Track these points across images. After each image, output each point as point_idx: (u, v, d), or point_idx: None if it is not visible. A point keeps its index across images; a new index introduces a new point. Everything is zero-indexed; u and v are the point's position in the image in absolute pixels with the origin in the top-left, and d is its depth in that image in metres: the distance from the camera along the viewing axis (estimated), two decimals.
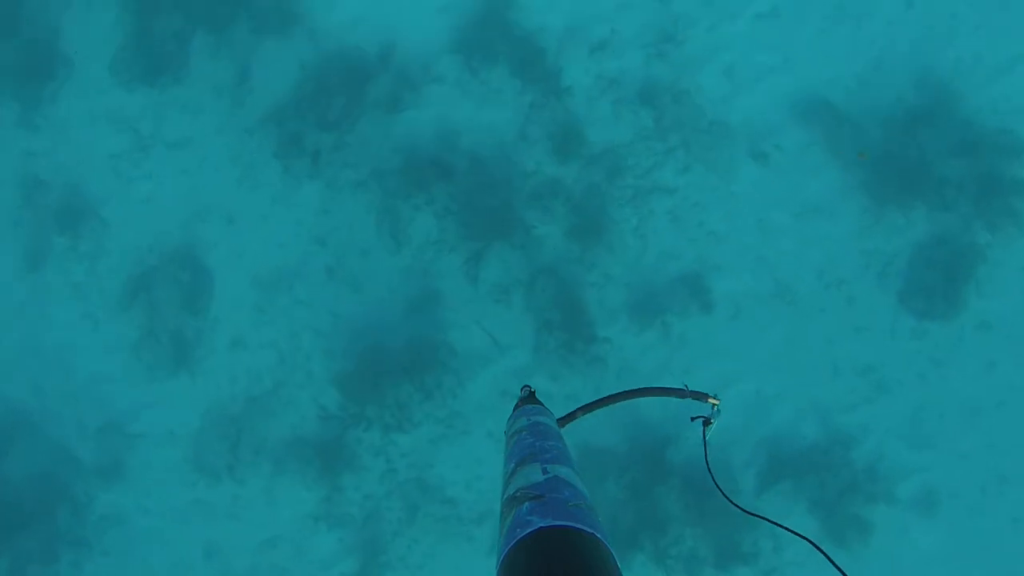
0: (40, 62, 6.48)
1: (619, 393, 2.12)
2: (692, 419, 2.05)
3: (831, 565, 1.40)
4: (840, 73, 6.68)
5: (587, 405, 2.09)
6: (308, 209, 6.42)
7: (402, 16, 6.47)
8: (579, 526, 1.09)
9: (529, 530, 1.09)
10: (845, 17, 6.68)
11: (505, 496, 1.30)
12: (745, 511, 1.91)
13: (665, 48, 6.56)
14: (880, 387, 6.87)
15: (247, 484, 6.21)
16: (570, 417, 2.15)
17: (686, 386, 2.06)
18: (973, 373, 7.13)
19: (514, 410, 1.93)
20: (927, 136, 6.89)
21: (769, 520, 1.83)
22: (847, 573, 1.53)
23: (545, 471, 1.32)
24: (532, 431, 1.63)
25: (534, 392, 2.20)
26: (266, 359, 6.31)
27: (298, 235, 6.40)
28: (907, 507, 7.02)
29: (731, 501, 1.86)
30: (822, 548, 1.65)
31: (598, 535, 1.09)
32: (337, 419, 6.26)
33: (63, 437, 6.30)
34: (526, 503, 1.20)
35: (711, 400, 2.03)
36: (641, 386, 2.09)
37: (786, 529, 1.79)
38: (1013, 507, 6.96)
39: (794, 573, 6.68)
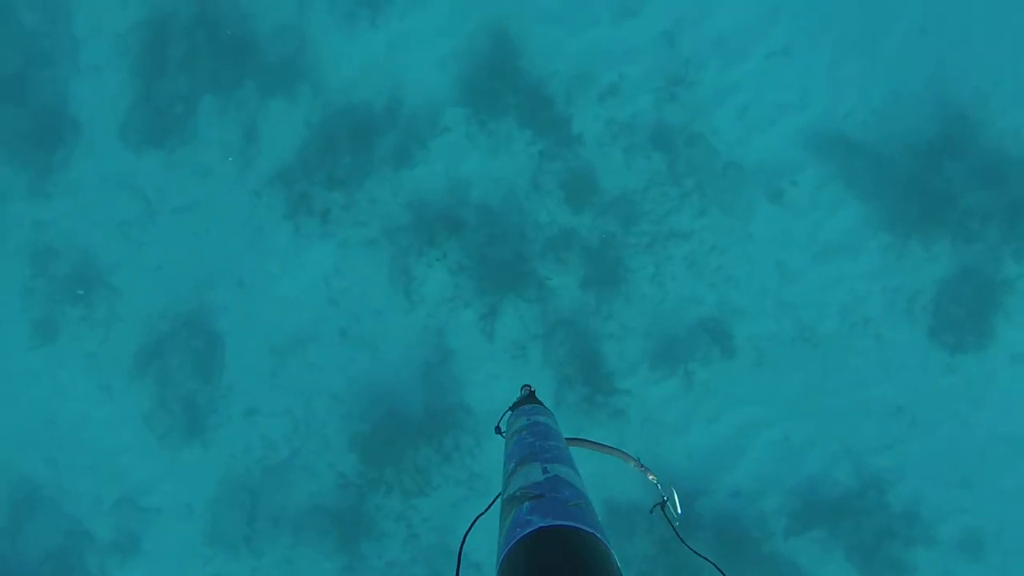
0: (50, 129, 6.45)
1: (598, 444, 1.99)
2: (651, 511, 1.93)
3: None
4: (856, 106, 6.55)
5: (582, 441, 1.96)
6: (320, 270, 6.31)
7: (408, 70, 6.43)
8: (579, 526, 1.07)
9: (529, 530, 1.07)
10: (858, 49, 6.56)
11: (505, 495, 1.27)
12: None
13: (676, 91, 6.45)
14: (914, 426, 6.66)
15: (265, 556, 6.04)
16: (576, 442, 1.96)
17: (639, 459, 1.99)
18: (1010, 407, 6.97)
19: (514, 409, 1.85)
20: (949, 166, 6.73)
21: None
22: None
23: (545, 471, 1.29)
24: (532, 431, 1.56)
25: (534, 392, 2.05)
26: (281, 426, 6.16)
27: (310, 297, 6.28)
28: (950, 550, 6.83)
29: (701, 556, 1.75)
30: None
31: (598, 535, 1.06)
32: (355, 486, 6.10)
33: (78, 512, 6.17)
34: (526, 502, 1.18)
35: (650, 476, 1.94)
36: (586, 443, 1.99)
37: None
38: None
39: None
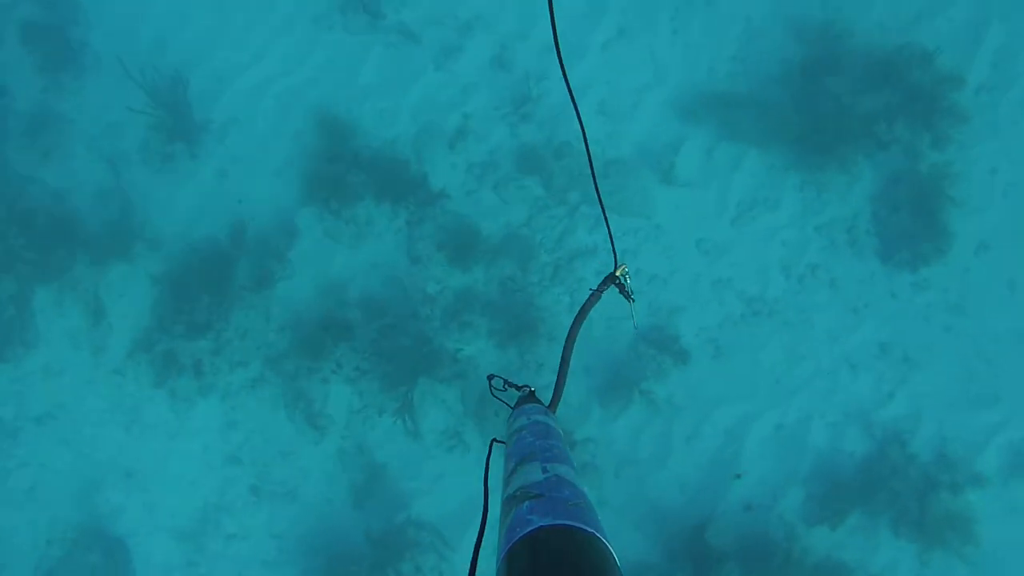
0: None
1: (565, 353, 1.96)
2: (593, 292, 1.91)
3: None
4: (713, 61, 6.24)
5: (559, 378, 1.96)
6: (210, 430, 5.57)
7: (243, 191, 6.55)
8: (579, 525, 1.08)
9: (529, 529, 1.08)
10: (692, 7, 6.06)
11: (505, 495, 1.29)
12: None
13: (526, 110, 6.00)
14: (907, 361, 6.05)
15: None
16: (555, 399, 2.00)
17: (591, 289, 1.98)
18: (997, 301, 6.46)
19: (514, 409, 1.88)
20: (832, 83, 6.32)
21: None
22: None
23: (545, 470, 1.31)
24: (532, 430, 1.62)
25: (534, 391, 2.11)
26: None
27: (208, 463, 5.52)
28: (1002, 479, 6.19)
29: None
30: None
31: (598, 534, 1.08)
32: None
33: None
34: (526, 502, 1.19)
35: (618, 273, 1.94)
36: (570, 337, 1.99)
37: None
38: None
39: None
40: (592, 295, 2.08)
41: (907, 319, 6.52)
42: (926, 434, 6.38)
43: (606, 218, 1.99)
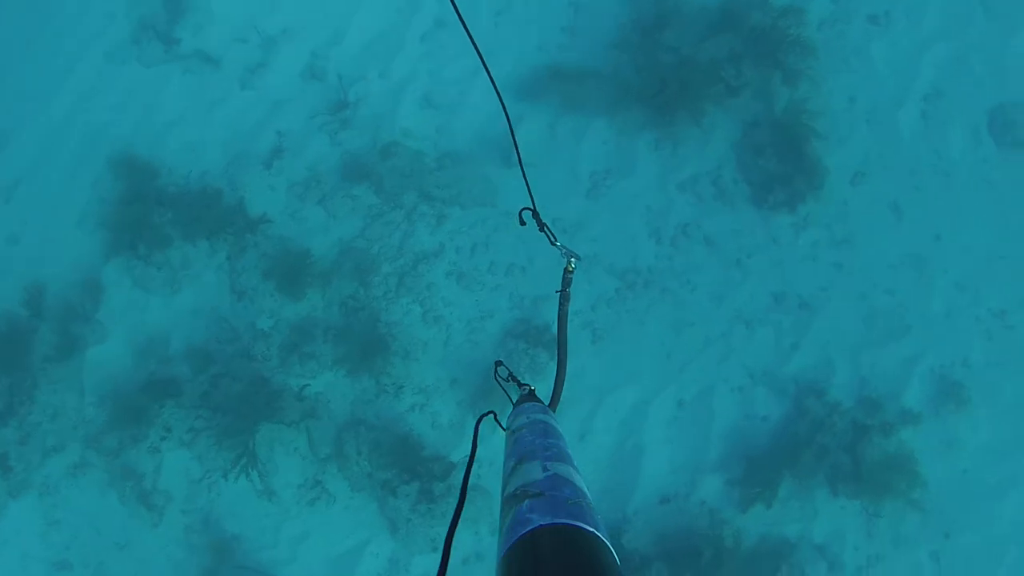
0: None
1: (560, 352, 2.05)
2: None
3: None
4: (543, 37, 6.02)
5: (558, 377, 2.04)
6: (29, 534, 4.68)
7: (39, 254, 5.87)
8: (579, 524, 1.07)
9: (529, 528, 1.07)
10: None
11: (505, 494, 1.29)
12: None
13: (345, 116, 5.47)
14: (805, 307, 5.68)
15: None
16: (555, 398, 2.05)
17: (557, 291, 2.08)
18: (884, 228, 6.13)
19: (514, 408, 1.84)
20: (668, 36, 5.82)
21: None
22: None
23: (545, 468, 1.29)
24: (532, 429, 1.57)
25: (534, 390, 2.02)
26: None
27: (33, 572, 4.52)
28: (933, 411, 5.79)
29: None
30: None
31: (598, 533, 1.08)
32: None
33: None
34: (526, 501, 1.19)
35: (570, 269, 2.09)
36: (561, 336, 2.04)
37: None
38: None
39: None
40: (563, 295, 2.16)
41: (794, 263, 6.16)
42: (842, 379, 6.01)
43: (536, 212, 2.03)
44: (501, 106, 1.81)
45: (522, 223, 2.17)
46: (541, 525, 1.07)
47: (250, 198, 6.04)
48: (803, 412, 5.99)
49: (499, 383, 2.27)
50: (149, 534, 5.35)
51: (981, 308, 6.24)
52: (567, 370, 2.07)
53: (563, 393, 2.12)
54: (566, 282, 2.17)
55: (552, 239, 2.07)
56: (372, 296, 5.88)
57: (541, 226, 2.10)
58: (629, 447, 5.76)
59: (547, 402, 2.06)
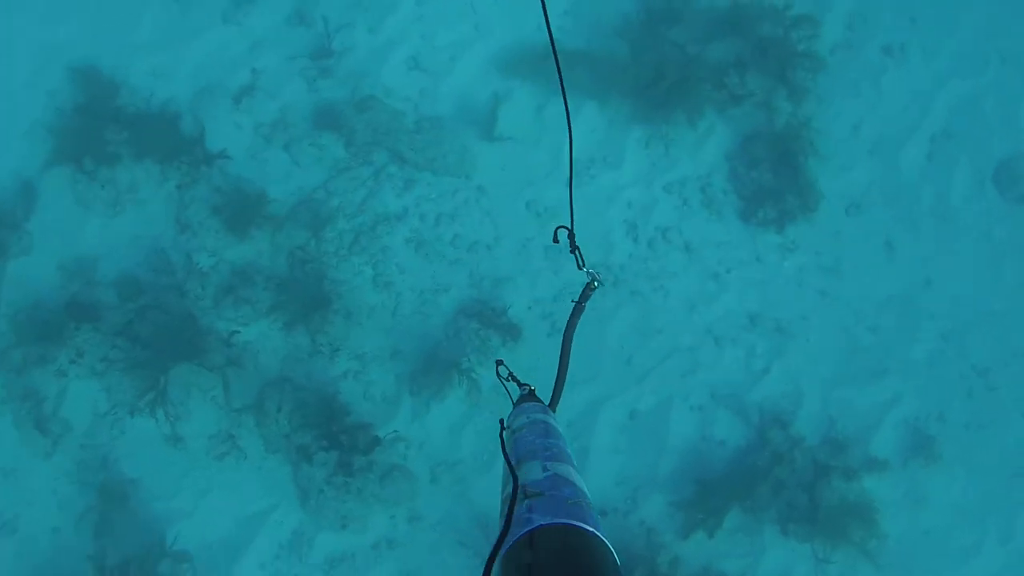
0: None
1: (564, 350, 2.07)
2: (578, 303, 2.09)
3: None
4: (543, 17, 5.29)
5: (558, 376, 2.05)
6: None
7: None
8: (579, 523, 1.07)
9: (529, 527, 1.06)
10: None
11: (505, 493, 1.30)
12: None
13: (327, 65, 5.34)
14: (781, 332, 5.37)
15: None
16: (555, 398, 2.07)
17: (574, 301, 2.08)
18: (875, 264, 5.86)
19: (514, 407, 1.87)
20: (674, 33, 5.67)
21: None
22: None
23: (545, 468, 1.29)
24: (532, 429, 1.57)
25: (534, 390, 2.08)
26: None
27: None
28: (900, 462, 5.47)
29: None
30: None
31: (598, 532, 1.07)
32: None
33: None
34: (526, 500, 1.18)
35: (592, 286, 2.09)
36: (566, 343, 2.05)
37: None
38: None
39: None
40: (577, 307, 2.16)
41: (777, 285, 5.88)
42: (809, 413, 5.72)
43: (572, 233, 2.04)
44: (558, 75, 1.71)
45: (555, 240, 2.13)
46: (541, 525, 1.07)
47: (213, 131, 5.78)
48: (764, 442, 5.63)
49: (500, 381, 2.26)
50: (40, 463, 4.98)
51: (965, 363, 5.95)
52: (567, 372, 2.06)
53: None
54: (584, 297, 2.16)
55: (580, 263, 2.04)
56: (323, 251, 5.58)
57: (573, 248, 2.07)
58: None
59: (547, 402, 2.07)
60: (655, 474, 5.60)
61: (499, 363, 2.37)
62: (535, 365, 5.72)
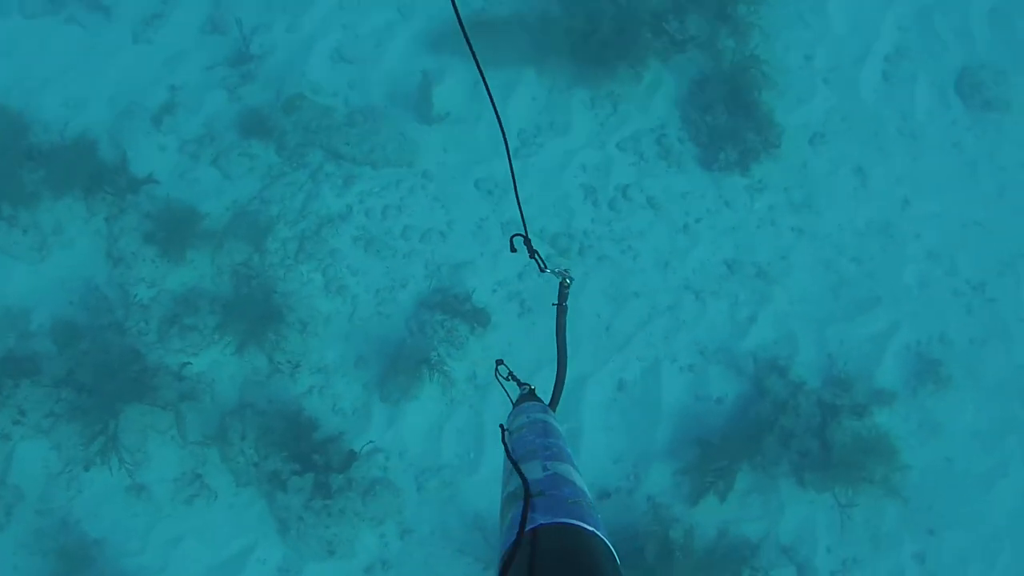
0: None
1: (560, 348, 2.07)
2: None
3: None
4: None
5: (558, 376, 2.03)
6: None
7: None
8: (579, 523, 1.06)
9: (529, 527, 1.05)
10: None
11: (505, 493, 1.28)
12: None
13: (247, 69, 4.93)
14: (763, 276, 5.08)
15: None
16: (555, 398, 2.01)
17: (554, 304, 2.08)
18: (848, 192, 5.60)
19: (514, 407, 1.80)
20: None
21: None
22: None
23: (545, 468, 1.26)
24: (532, 428, 1.53)
25: (534, 390, 1.96)
26: None
27: None
28: (909, 392, 5.20)
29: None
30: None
31: (599, 532, 1.06)
32: None
33: None
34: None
35: (566, 284, 2.05)
36: (561, 343, 2.08)
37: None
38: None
39: None
40: (559, 309, 2.07)
41: (750, 228, 5.64)
42: (806, 356, 5.47)
43: (528, 239, 1.89)
44: (494, 112, 1.52)
45: (513, 250, 2.07)
46: (541, 524, 1.06)
47: (135, 157, 5.39)
48: (763, 392, 5.34)
49: (499, 382, 2.21)
50: None
51: (958, 279, 5.70)
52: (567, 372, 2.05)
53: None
54: (562, 296, 2.14)
55: (542, 266, 1.98)
56: (268, 263, 5.21)
57: (532, 253, 2.01)
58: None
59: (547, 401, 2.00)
60: (653, 444, 5.29)
61: (499, 363, 2.24)
62: (510, 349, 5.45)
